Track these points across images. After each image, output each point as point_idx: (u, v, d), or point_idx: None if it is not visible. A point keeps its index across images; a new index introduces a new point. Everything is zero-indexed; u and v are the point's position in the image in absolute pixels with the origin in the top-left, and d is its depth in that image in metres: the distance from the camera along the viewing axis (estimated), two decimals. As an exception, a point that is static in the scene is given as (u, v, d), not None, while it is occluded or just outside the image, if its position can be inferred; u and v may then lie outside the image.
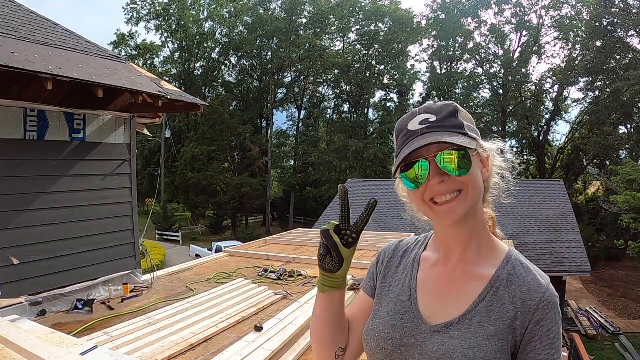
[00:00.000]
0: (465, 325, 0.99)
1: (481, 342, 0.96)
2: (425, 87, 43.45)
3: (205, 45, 44.80)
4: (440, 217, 1.04)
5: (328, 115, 45.91)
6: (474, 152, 1.02)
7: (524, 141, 38.57)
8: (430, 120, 1.04)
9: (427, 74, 43.56)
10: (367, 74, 38.81)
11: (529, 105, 36.80)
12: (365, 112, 42.36)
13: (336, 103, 44.66)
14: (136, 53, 45.98)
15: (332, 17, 40.17)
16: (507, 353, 0.96)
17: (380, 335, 1.08)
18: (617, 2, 26.90)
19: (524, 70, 36.45)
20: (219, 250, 21.52)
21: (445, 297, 1.06)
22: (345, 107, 43.94)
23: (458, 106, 1.08)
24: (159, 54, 47.52)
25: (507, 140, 38.30)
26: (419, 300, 1.09)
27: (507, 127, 38.30)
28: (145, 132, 6.49)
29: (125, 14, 44.74)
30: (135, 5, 44.65)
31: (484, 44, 38.83)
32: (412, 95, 43.79)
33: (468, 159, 1.00)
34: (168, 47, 46.90)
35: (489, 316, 0.99)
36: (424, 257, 1.19)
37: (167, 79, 41.70)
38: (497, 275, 1.04)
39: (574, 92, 36.82)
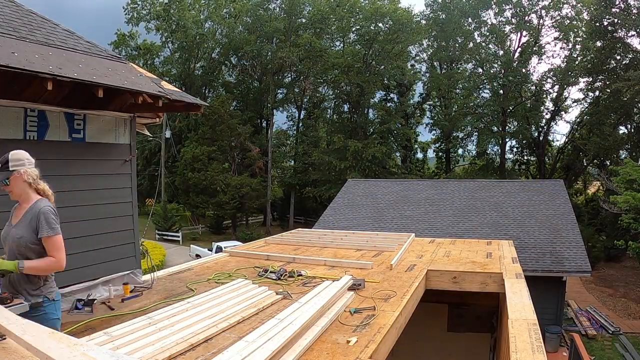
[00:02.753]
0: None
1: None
2: (425, 87, 43.48)
3: (205, 45, 44.77)
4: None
5: (328, 115, 45.92)
6: (10, 174, 2.95)
7: (524, 141, 38.57)
8: None
9: (427, 74, 43.60)
10: (367, 74, 38.78)
11: (529, 105, 36.79)
12: (365, 112, 42.36)
13: (336, 103, 44.65)
14: (136, 53, 45.98)
15: (331, 17, 40.16)
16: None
17: None
18: (617, 2, 26.90)
19: (524, 70, 36.44)
20: (219, 250, 21.56)
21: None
22: (345, 107, 43.94)
23: (9, 157, 2.97)
24: (159, 54, 47.52)
25: (507, 140, 38.57)
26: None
27: (507, 127, 38.29)
28: (146, 132, 6.49)
29: (126, 14, 44.77)
30: (136, 5, 44.66)
31: (484, 44, 38.82)
32: (412, 95, 43.83)
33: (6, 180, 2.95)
34: (168, 47, 46.90)
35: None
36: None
37: (167, 79, 41.71)
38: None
39: (574, 92, 36.89)
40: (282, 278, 5.81)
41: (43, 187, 3.10)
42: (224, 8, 44.49)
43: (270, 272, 6.06)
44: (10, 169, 2.96)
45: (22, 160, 3.01)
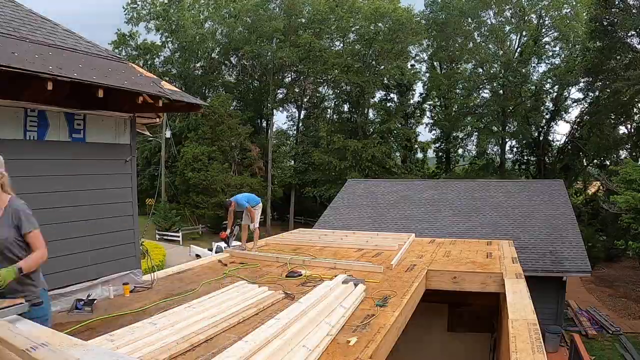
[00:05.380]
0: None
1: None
2: (425, 87, 43.46)
3: (205, 45, 44.72)
4: None
5: (328, 115, 45.90)
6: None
7: (524, 141, 38.55)
8: None
9: (427, 74, 43.60)
10: (367, 74, 38.77)
11: (529, 105, 36.77)
12: (365, 112, 42.35)
13: (336, 103, 44.63)
14: (136, 53, 45.95)
15: (331, 17, 40.12)
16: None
17: None
18: (617, 2, 26.85)
19: (523, 70, 36.43)
20: (219, 250, 21.51)
21: None
22: (345, 107, 43.92)
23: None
24: (159, 54, 47.49)
25: (507, 140, 38.55)
26: None
27: (507, 127, 38.27)
28: (146, 132, 6.50)
29: (126, 14, 44.73)
30: (135, 5, 44.62)
31: (483, 44, 38.81)
32: (412, 95, 43.79)
33: None
34: (168, 47, 46.87)
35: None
36: None
37: (167, 79, 41.67)
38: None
39: (574, 92, 36.90)
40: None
41: (7, 189, 3.16)
42: (223, 8, 44.43)
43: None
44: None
45: (2, 162, 3.09)
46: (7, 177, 3.10)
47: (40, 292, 3.10)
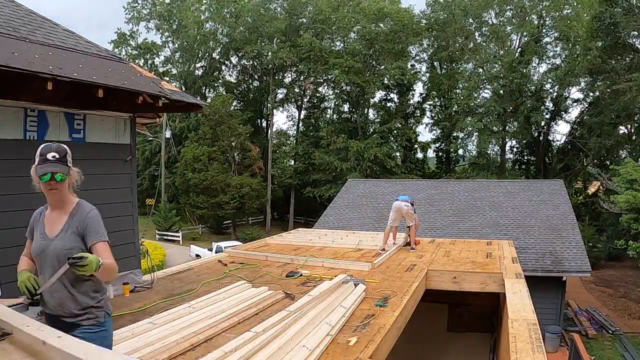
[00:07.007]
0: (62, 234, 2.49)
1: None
2: (426, 87, 43.45)
3: (206, 45, 44.70)
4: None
5: (328, 116, 45.90)
6: (68, 170, 2.49)
7: (524, 141, 38.51)
8: (55, 157, 2.45)
9: (427, 74, 43.59)
10: (367, 74, 38.75)
11: (529, 105, 36.73)
12: (365, 112, 42.33)
13: (336, 103, 44.62)
14: (136, 52, 45.94)
15: (332, 17, 40.10)
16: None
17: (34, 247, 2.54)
18: (619, 2, 26.79)
19: (524, 70, 36.39)
20: (219, 250, 21.57)
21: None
22: (345, 107, 43.90)
23: (67, 150, 2.54)
24: (160, 53, 47.50)
25: (507, 140, 38.50)
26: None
27: (507, 127, 38.23)
28: (146, 132, 6.50)
29: (126, 13, 44.71)
30: (136, 4, 44.59)
31: (484, 44, 38.78)
32: (412, 95, 43.78)
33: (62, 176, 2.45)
34: (169, 47, 46.86)
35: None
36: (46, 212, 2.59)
37: (168, 79, 41.68)
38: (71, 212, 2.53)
39: (574, 92, 36.88)
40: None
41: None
42: (225, 8, 44.40)
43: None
44: (69, 164, 2.53)
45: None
46: (76, 175, 2.59)
47: (104, 317, 2.56)
